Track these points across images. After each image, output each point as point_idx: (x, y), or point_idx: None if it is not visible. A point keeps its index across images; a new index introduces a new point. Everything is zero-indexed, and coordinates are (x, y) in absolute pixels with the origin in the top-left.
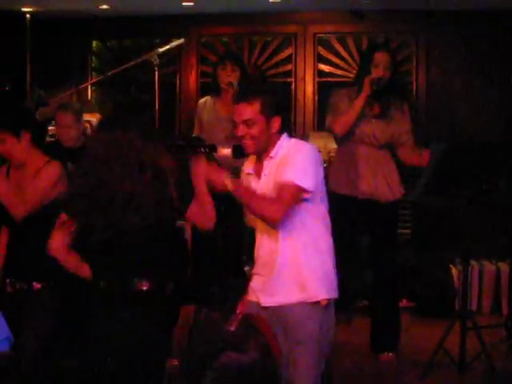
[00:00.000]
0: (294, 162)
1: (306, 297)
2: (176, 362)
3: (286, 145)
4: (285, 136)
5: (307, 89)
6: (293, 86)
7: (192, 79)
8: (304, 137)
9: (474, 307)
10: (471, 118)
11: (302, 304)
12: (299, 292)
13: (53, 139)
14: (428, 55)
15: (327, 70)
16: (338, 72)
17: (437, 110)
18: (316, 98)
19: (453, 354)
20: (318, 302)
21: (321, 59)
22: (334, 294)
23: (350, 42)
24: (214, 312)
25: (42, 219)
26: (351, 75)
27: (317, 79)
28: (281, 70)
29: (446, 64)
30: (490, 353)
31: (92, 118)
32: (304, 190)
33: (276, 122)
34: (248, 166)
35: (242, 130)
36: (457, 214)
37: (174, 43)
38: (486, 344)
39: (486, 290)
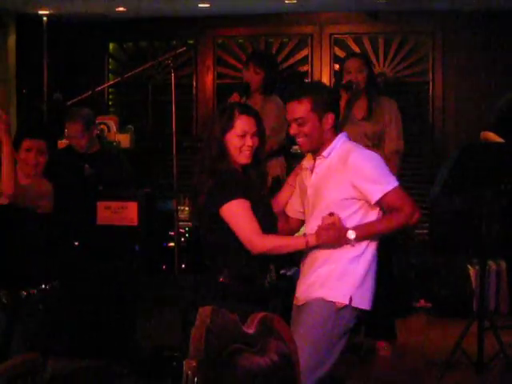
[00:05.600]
0: (372, 172)
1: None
2: (194, 363)
3: (341, 147)
4: (341, 136)
5: None
6: None
7: (208, 81)
8: None
9: (492, 307)
10: (488, 118)
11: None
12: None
13: (65, 143)
14: (444, 55)
15: None
16: None
17: (453, 110)
18: None
19: (470, 354)
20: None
21: (337, 60)
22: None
23: (367, 43)
24: (231, 313)
25: (25, 227)
26: None
27: (333, 80)
28: (297, 70)
29: (462, 64)
30: (508, 353)
31: (109, 121)
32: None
33: (329, 119)
34: (307, 161)
35: (294, 129)
36: (474, 214)
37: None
38: (503, 344)
39: (503, 290)
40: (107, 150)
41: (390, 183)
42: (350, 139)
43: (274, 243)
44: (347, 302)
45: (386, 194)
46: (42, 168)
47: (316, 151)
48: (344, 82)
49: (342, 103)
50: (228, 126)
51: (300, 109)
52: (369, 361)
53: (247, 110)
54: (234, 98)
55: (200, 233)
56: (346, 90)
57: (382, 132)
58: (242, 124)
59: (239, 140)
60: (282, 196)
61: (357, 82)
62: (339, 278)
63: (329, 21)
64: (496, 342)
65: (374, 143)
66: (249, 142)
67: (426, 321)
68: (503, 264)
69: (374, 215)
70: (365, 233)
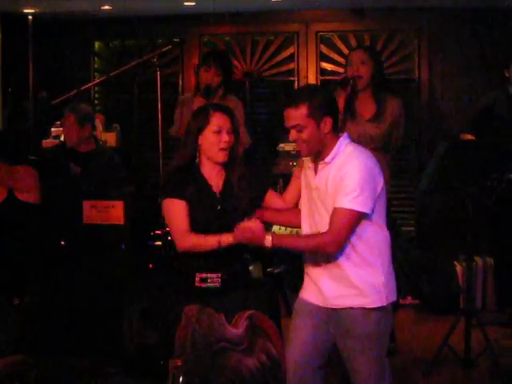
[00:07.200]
0: (349, 184)
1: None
2: (179, 363)
3: (344, 150)
4: (343, 139)
5: None
6: (295, 85)
7: (194, 79)
8: None
9: (479, 304)
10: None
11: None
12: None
13: (57, 141)
14: (430, 53)
15: (330, 69)
16: (341, 70)
17: (439, 108)
18: None
19: (457, 350)
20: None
21: (323, 58)
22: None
23: (352, 40)
24: (217, 312)
25: (14, 233)
26: None
27: (320, 78)
28: (283, 68)
29: (448, 61)
30: (495, 350)
31: (95, 119)
32: (363, 214)
33: (327, 123)
34: (307, 160)
35: (293, 135)
36: (460, 211)
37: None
38: (490, 341)
39: (490, 286)
40: (101, 150)
41: (351, 203)
42: (351, 140)
43: (191, 242)
44: (385, 303)
45: (339, 208)
46: None
47: (317, 155)
48: (340, 77)
49: (341, 101)
50: (203, 123)
51: (297, 115)
52: None
53: (220, 108)
54: (199, 102)
55: None
56: (341, 86)
57: (388, 134)
58: (217, 120)
59: (216, 136)
60: (292, 189)
61: (356, 77)
62: (368, 281)
63: (315, 18)
64: (483, 339)
65: (376, 146)
66: (225, 137)
67: (413, 318)
68: (490, 260)
69: (381, 204)
70: (282, 244)
